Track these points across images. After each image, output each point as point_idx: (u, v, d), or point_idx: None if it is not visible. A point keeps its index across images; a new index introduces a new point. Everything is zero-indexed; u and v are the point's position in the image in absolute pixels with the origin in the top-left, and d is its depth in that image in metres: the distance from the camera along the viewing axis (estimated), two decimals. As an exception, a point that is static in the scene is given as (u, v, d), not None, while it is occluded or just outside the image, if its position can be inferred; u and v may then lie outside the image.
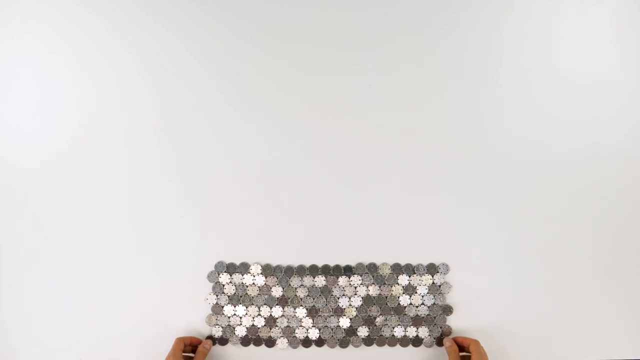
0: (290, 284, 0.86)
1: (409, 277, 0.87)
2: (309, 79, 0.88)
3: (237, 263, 0.86)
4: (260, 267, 0.86)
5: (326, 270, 0.86)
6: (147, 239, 0.86)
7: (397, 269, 0.86)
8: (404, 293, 0.87)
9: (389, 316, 0.86)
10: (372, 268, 0.86)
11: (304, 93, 0.88)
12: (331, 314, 0.86)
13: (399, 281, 0.87)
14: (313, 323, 0.86)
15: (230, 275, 0.86)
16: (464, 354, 0.84)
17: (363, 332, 0.86)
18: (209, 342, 0.85)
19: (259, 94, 0.88)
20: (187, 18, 0.88)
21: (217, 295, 0.86)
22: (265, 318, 0.86)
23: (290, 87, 0.88)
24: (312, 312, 0.86)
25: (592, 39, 0.90)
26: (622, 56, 0.90)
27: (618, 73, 0.90)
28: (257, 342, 0.86)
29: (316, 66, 0.88)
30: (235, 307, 0.86)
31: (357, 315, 0.86)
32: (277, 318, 0.86)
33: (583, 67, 0.90)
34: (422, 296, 0.87)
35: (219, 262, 0.86)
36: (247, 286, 0.86)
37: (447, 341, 0.85)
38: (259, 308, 0.86)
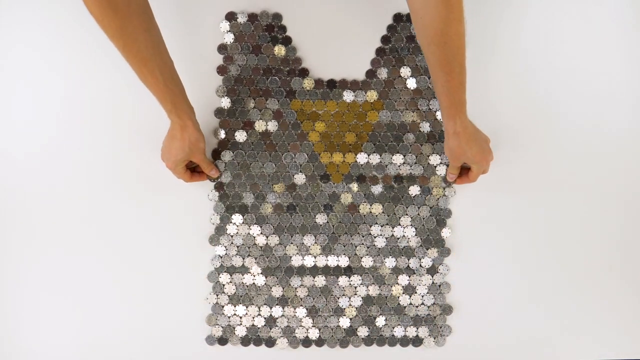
0: (290, 284, 0.86)
1: (409, 277, 0.87)
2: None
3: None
4: (261, 268, 0.86)
5: (326, 271, 0.86)
6: (147, 238, 0.86)
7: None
8: (404, 293, 0.87)
9: (389, 316, 0.87)
10: (372, 268, 0.87)
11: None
12: (331, 314, 0.86)
13: (399, 281, 0.87)
14: (313, 323, 0.86)
15: (231, 275, 0.86)
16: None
17: (363, 332, 0.86)
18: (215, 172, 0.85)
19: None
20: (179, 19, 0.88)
21: (217, 295, 0.86)
22: (265, 318, 0.86)
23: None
24: (312, 312, 0.86)
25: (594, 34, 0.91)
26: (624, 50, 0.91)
27: (620, 67, 0.90)
28: (257, 342, 0.86)
29: None
30: (235, 307, 0.86)
31: (357, 315, 0.86)
32: (277, 318, 0.86)
33: (584, 61, 0.90)
34: (422, 296, 0.87)
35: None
36: (247, 286, 0.86)
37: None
38: (259, 308, 0.86)
